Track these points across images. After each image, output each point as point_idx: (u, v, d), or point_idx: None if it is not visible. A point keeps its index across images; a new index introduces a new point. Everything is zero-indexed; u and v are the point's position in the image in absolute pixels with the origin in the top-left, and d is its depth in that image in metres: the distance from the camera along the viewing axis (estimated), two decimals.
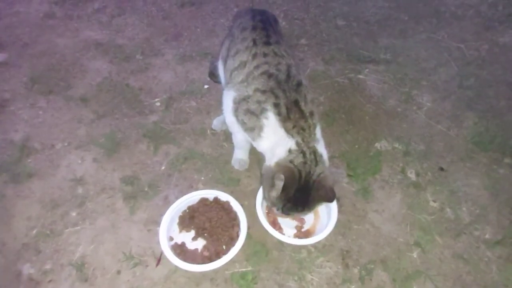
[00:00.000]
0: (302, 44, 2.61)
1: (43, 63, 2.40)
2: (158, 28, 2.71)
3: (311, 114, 1.41)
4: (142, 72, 2.37)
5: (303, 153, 1.36)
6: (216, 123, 2.02)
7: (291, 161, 1.35)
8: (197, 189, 1.75)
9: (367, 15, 2.87)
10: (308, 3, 2.98)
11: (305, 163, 1.35)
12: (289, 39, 2.62)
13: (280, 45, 1.55)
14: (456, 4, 2.95)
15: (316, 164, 1.36)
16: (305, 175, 1.34)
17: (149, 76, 2.34)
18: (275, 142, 1.41)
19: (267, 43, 1.52)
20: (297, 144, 1.37)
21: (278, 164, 1.37)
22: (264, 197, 1.52)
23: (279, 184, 1.30)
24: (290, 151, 1.37)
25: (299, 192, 1.35)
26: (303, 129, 1.38)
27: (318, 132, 1.44)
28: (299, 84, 1.44)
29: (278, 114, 1.38)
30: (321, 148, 1.43)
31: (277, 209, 1.43)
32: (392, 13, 2.88)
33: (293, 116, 1.38)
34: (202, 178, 1.83)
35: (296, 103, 1.40)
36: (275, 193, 1.35)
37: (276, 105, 1.39)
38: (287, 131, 1.38)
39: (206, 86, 2.26)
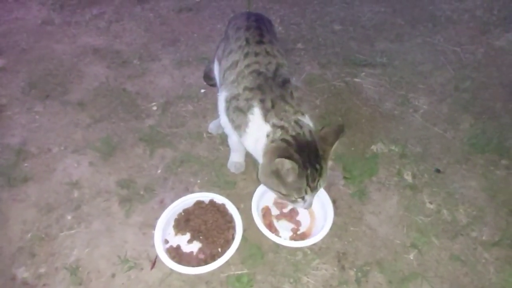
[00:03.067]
0: (299, 48, 2.62)
1: (40, 68, 2.41)
2: (156, 34, 2.72)
3: (298, 105, 1.42)
4: (139, 77, 2.37)
5: (281, 126, 1.34)
6: (212, 126, 2.03)
7: (272, 141, 1.34)
8: (193, 192, 1.74)
9: (363, 19, 2.89)
10: (304, 8, 3.00)
11: (287, 131, 1.33)
12: (286, 44, 2.64)
13: (274, 44, 1.55)
14: (451, 9, 2.98)
15: (301, 127, 1.35)
16: (295, 137, 1.32)
17: (146, 81, 2.35)
18: (257, 136, 1.40)
19: (260, 42, 1.53)
20: (273, 125, 1.36)
21: (265, 153, 1.35)
22: (289, 198, 1.39)
23: (284, 163, 1.24)
24: (267, 135, 1.36)
25: (303, 153, 1.30)
26: (285, 111, 1.37)
27: (306, 116, 1.43)
28: (285, 81, 1.44)
29: (263, 108, 1.39)
30: (307, 120, 1.41)
31: (306, 191, 1.34)
32: (388, 18, 2.90)
33: (277, 107, 1.38)
34: (198, 181, 1.83)
35: (282, 97, 1.40)
36: (291, 175, 1.28)
37: (261, 101, 1.39)
38: (266, 120, 1.37)
39: (202, 90, 2.27)
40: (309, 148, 1.32)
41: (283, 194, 1.38)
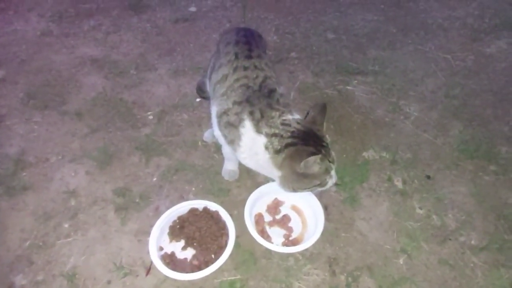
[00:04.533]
0: (293, 57, 2.67)
1: (39, 79, 2.46)
2: (152, 44, 2.78)
3: (285, 105, 1.48)
4: (136, 87, 2.42)
5: (274, 134, 1.40)
6: (207, 135, 2.07)
7: (277, 152, 1.38)
8: (187, 199, 1.78)
9: (356, 28, 2.94)
10: (299, 17, 3.06)
11: (282, 136, 1.39)
12: (280, 53, 2.69)
13: (262, 58, 1.60)
14: (443, 17, 3.03)
15: (290, 125, 1.41)
16: (292, 133, 1.38)
17: (143, 90, 2.40)
18: (253, 152, 1.45)
19: (249, 57, 1.57)
20: (266, 135, 1.41)
21: (282, 165, 1.40)
22: (322, 184, 1.46)
23: (309, 161, 1.32)
24: (266, 146, 1.41)
25: (310, 140, 1.39)
26: (272, 117, 1.43)
27: (294, 114, 1.49)
28: (271, 91, 1.49)
29: (253, 120, 1.43)
30: (292, 115, 1.47)
31: (331, 167, 1.43)
32: (381, 26, 2.95)
33: (266, 115, 1.43)
34: (193, 189, 1.86)
35: (269, 105, 1.45)
36: (318, 165, 1.37)
37: (251, 113, 1.44)
38: (258, 131, 1.42)
39: (198, 100, 2.31)
40: (308, 135, 1.40)
41: (317, 185, 1.45)
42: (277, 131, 1.40)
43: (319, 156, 1.34)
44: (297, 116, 1.49)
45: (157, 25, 2.95)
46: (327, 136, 1.48)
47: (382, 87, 2.41)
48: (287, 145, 1.38)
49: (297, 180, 1.42)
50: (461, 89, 2.39)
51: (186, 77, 2.49)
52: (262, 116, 1.43)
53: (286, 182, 1.45)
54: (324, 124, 1.47)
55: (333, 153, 1.47)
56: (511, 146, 2.03)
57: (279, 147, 1.38)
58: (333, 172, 1.48)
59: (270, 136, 1.40)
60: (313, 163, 1.36)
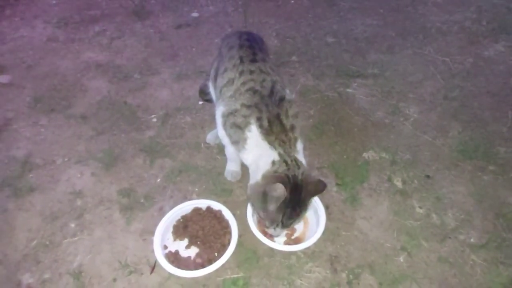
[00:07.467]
0: (293, 61, 2.72)
1: (45, 84, 2.51)
2: (156, 49, 2.83)
3: (292, 127, 1.49)
4: (140, 91, 2.47)
5: (286, 162, 1.42)
6: (210, 137, 2.11)
7: (275, 171, 1.41)
8: (191, 200, 1.81)
9: (356, 32, 2.99)
10: (299, 22, 3.11)
11: (288, 169, 1.41)
12: (281, 57, 2.73)
13: (266, 62, 1.64)
14: (441, 20, 3.07)
15: (299, 168, 1.43)
16: (292, 177, 1.40)
17: (147, 94, 2.44)
18: (258, 154, 1.48)
19: (253, 61, 1.61)
20: (280, 155, 1.44)
21: (265, 176, 1.42)
22: (261, 218, 1.51)
23: (277, 193, 1.33)
24: (273, 162, 1.43)
25: (292, 194, 1.39)
26: (284, 142, 1.46)
27: (298, 145, 1.51)
28: (281, 99, 1.52)
29: (260, 126, 1.46)
30: (301, 158, 1.50)
31: (277, 224, 1.45)
32: (380, 30, 3.00)
33: (275, 129, 1.46)
34: (196, 189, 1.90)
35: (277, 116, 1.47)
36: (273, 205, 1.38)
37: (258, 119, 1.47)
38: (270, 143, 1.45)
39: (200, 102, 2.35)
40: (298, 192, 1.41)
41: (260, 216, 1.50)
42: (288, 161, 1.42)
43: (282, 201, 1.35)
44: (303, 159, 1.50)
45: (160, 31, 3.01)
46: (305, 209, 1.47)
47: (382, 89, 2.45)
48: (286, 175, 1.40)
49: (257, 193, 1.43)
50: (459, 91, 2.42)
51: (189, 80, 2.54)
52: (271, 130, 1.45)
53: (253, 187, 1.47)
54: (312, 198, 1.48)
55: (295, 222, 1.49)
56: (509, 147, 2.06)
57: (280, 171, 1.40)
58: (278, 230, 1.49)
59: (282, 160, 1.43)
60: (273, 198, 1.35)
